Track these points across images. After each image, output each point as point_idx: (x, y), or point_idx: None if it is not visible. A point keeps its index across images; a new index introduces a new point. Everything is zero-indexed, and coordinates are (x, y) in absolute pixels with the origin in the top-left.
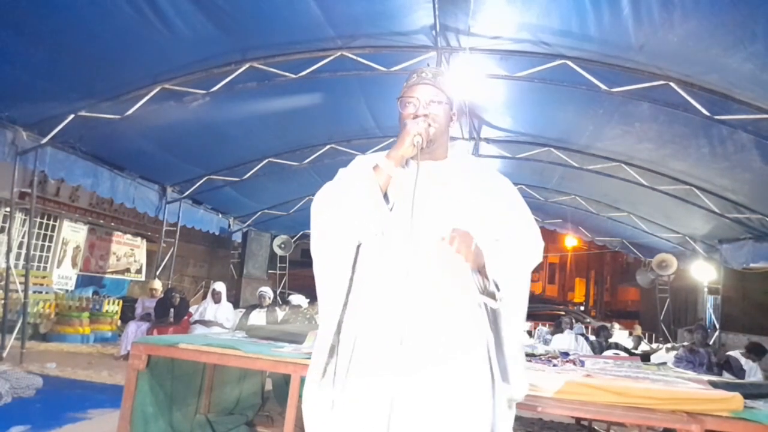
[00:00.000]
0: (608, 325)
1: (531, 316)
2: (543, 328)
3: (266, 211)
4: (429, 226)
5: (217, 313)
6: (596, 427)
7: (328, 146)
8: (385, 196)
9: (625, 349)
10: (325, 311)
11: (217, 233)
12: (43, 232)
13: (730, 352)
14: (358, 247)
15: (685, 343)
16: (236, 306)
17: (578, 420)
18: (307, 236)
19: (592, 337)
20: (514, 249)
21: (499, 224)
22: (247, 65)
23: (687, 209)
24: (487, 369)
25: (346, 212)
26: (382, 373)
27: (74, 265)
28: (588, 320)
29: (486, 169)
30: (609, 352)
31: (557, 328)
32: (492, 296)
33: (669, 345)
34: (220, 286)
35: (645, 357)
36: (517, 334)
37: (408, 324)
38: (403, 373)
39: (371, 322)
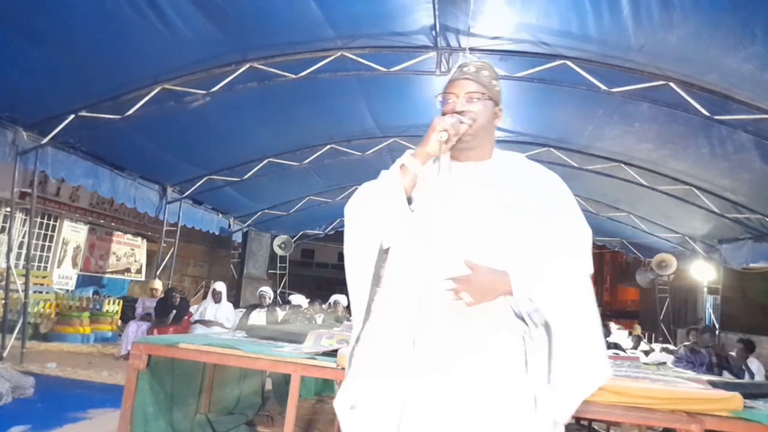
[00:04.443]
0: (606, 323)
1: None
2: None
3: (266, 211)
4: (455, 230)
5: (217, 313)
6: (596, 427)
7: (328, 146)
8: (411, 199)
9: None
10: (354, 316)
11: (217, 233)
12: (43, 232)
13: (730, 352)
14: (387, 251)
15: (686, 343)
16: (236, 306)
17: (578, 419)
18: (306, 236)
19: None
20: (555, 267)
21: (541, 234)
22: (247, 65)
23: (686, 209)
24: (521, 380)
25: (367, 213)
26: (394, 376)
27: (74, 265)
28: None
29: (534, 170)
30: (609, 352)
31: None
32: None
33: (659, 347)
34: (220, 286)
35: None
36: (576, 357)
37: (424, 329)
38: (415, 377)
39: (388, 326)
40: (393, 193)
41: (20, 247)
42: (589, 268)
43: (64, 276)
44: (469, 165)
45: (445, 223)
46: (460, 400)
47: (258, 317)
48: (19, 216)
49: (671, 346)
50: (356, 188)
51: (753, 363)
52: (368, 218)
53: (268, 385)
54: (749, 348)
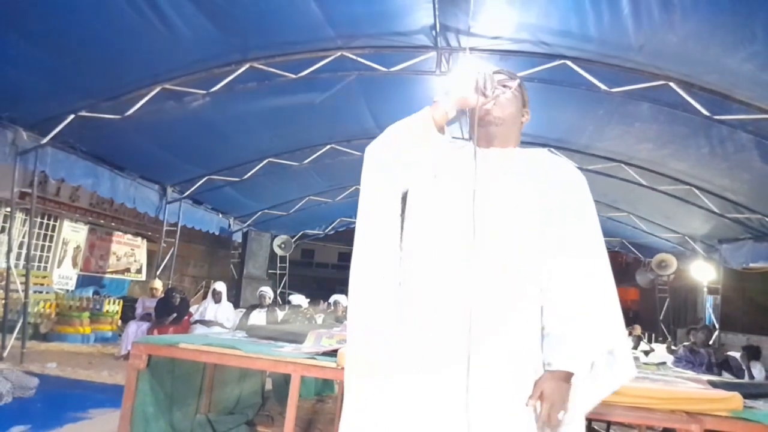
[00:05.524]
0: None
1: None
2: None
3: (266, 211)
4: (490, 216)
5: (217, 312)
6: (595, 427)
7: (328, 146)
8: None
9: None
10: (359, 282)
11: (217, 233)
12: (43, 232)
13: (730, 353)
14: (404, 210)
15: (686, 343)
16: (236, 306)
17: None
18: (306, 236)
19: None
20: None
21: (558, 229)
22: (247, 65)
23: (687, 209)
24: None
25: (392, 139)
26: (446, 367)
27: (74, 265)
28: None
29: (558, 163)
30: None
31: None
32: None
33: (663, 347)
34: (220, 286)
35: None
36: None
37: (473, 313)
38: (469, 368)
39: (429, 307)
40: (423, 120)
41: (20, 247)
42: (608, 266)
43: (64, 276)
44: (493, 151)
45: (463, 208)
46: (462, 398)
47: (258, 317)
48: (19, 216)
49: (672, 346)
50: (356, 188)
51: (755, 367)
52: (393, 144)
53: (269, 385)
54: (752, 355)
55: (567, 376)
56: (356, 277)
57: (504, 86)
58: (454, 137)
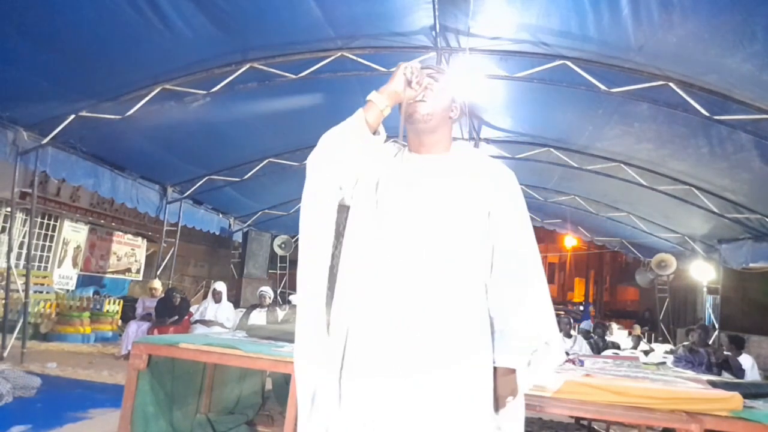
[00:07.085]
0: (606, 323)
1: None
2: None
3: (266, 211)
4: (413, 222)
5: (217, 312)
6: (596, 427)
7: None
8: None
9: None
10: (306, 290)
11: (217, 233)
12: (43, 232)
13: (729, 352)
14: (345, 218)
15: (685, 343)
16: (237, 306)
17: (578, 419)
18: None
19: (594, 336)
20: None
21: (493, 227)
22: (247, 66)
23: (686, 209)
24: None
25: (328, 148)
26: (376, 374)
27: (75, 264)
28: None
29: (490, 165)
30: (608, 352)
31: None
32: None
33: (666, 347)
34: (220, 286)
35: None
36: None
37: (405, 321)
38: (398, 376)
39: (365, 314)
40: (356, 123)
41: (21, 247)
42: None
43: (64, 276)
44: (428, 157)
45: (404, 214)
46: (434, 404)
47: (258, 317)
48: (19, 216)
49: (671, 346)
50: None
51: (746, 360)
52: (329, 150)
53: (269, 385)
54: (739, 345)
55: (511, 370)
56: (299, 282)
57: (431, 77)
58: (391, 138)
